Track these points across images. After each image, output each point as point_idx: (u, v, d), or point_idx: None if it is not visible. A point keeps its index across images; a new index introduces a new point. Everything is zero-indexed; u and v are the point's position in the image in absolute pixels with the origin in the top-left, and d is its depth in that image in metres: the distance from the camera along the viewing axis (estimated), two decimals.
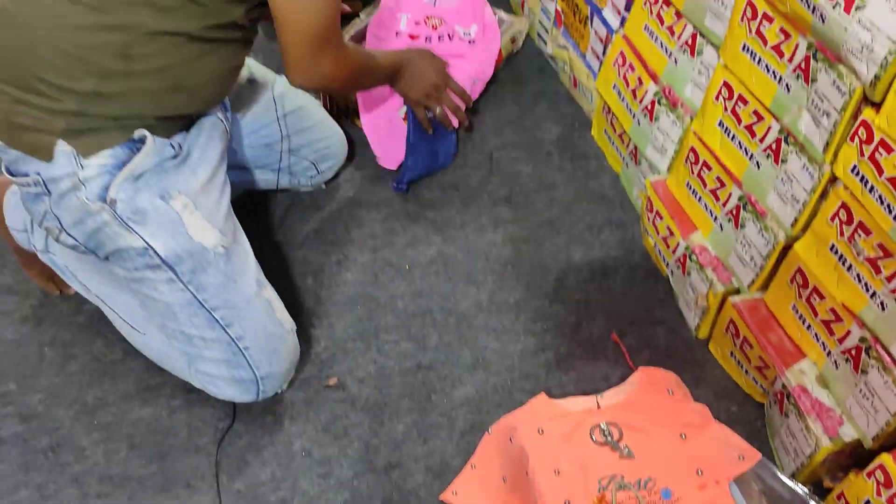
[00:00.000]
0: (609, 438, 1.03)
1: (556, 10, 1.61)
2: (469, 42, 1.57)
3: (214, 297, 1.07)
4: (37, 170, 0.98)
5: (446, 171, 1.53)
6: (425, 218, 1.46)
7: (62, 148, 0.97)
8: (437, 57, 1.45)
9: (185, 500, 1.09)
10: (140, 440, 1.15)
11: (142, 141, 1.00)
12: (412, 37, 1.54)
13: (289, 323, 1.15)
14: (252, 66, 1.31)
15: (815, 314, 1.03)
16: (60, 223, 1.02)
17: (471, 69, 1.55)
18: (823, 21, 0.89)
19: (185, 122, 1.08)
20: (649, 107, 1.30)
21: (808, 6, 0.91)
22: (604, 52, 1.45)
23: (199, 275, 1.05)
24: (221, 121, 1.14)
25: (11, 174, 1.01)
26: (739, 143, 1.11)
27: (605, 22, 1.42)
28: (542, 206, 1.47)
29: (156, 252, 1.02)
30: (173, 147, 1.03)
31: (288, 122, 1.35)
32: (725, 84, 1.11)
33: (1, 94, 0.96)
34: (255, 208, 1.46)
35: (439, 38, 1.55)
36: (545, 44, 1.71)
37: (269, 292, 1.14)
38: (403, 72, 1.37)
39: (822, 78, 0.94)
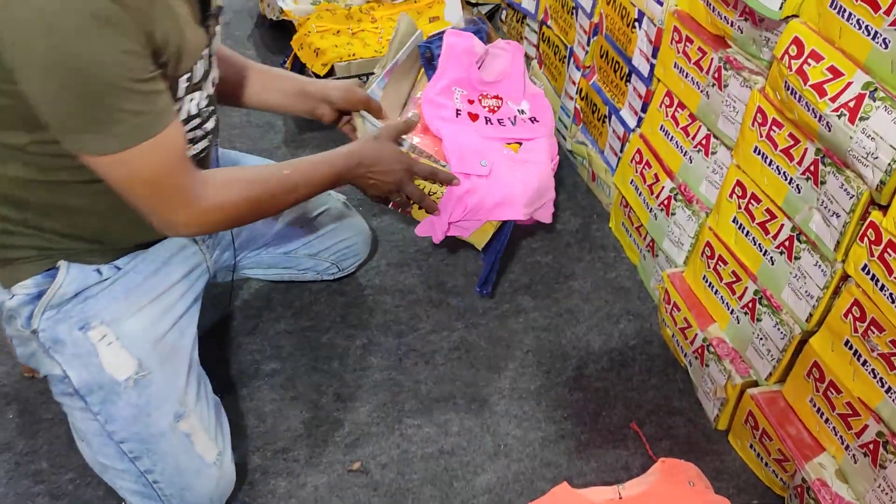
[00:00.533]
0: None
1: (576, 109, 1.70)
2: (531, 121, 1.40)
3: (123, 430, 1.06)
4: None
5: (469, 258, 1.59)
6: (448, 304, 1.50)
7: None
8: (402, 154, 1.20)
9: None
10: None
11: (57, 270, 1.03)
12: (472, 117, 1.35)
13: (212, 454, 1.11)
14: None
15: (833, 408, 1.05)
16: (12, 341, 1.10)
17: (548, 151, 1.38)
18: (829, 129, 0.95)
19: (133, 247, 1.09)
20: (666, 202, 1.35)
21: (815, 115, 0.97)
22: (621, 149, 1.52)
23: (109, 406, 1.05)
24: (201, 252, 1.18)
25: None
26: (753, 239, 1.16)
27: (622, 121, 1.50)
28: (562, 296, 1.52)
29: (70, 381, 1.05)
30: (99, 273, 1.06)
31: (305, 231, 1.41)
32: (738, 183, 1.17)
33: None
34: (284, 294, 1.51)
35: (500, 121, 1.37)
36: (564, 139, 1.79)
37: (191, 422, 1.10)
38: (358, 171, 1.15)
39: (831, 181, 0.99)
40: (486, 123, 1.35)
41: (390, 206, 1.26)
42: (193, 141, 1.04)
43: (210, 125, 1.07)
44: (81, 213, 1.01)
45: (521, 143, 1.36)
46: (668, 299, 1.36)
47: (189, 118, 1.00)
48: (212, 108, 1.07)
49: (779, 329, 1.12)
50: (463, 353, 1.42)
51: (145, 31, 0.84)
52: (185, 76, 0.96)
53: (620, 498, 1.08)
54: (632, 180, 1.46)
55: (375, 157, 1.15)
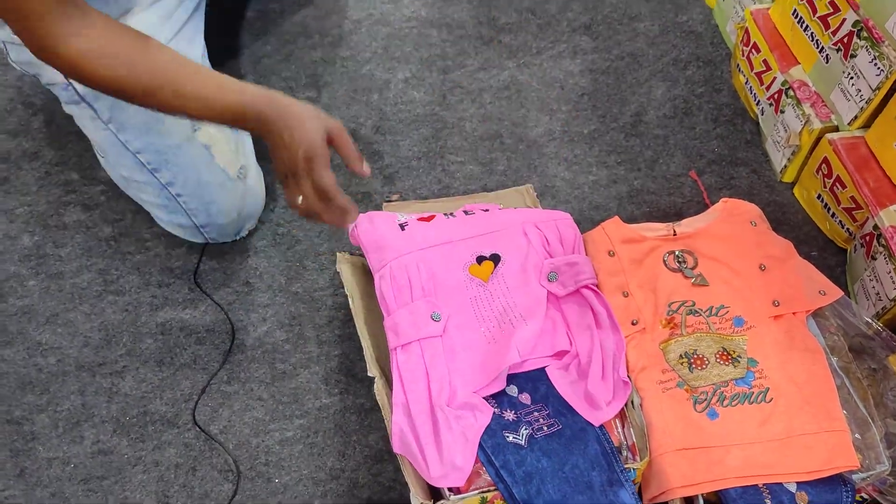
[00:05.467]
0: (682, 265, 0.98)
1: None
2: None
3: (137, 140, 0.99)
4: None
5: None
6: (499, 41, 1.38)
7: None
8: (327, 117, 0.85)
9: (245, 297, 1.09)
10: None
11: None
12: (425, 219, 1.01)
13: (234, 168, 1.05)
14: None
15: None
16: (4, 46, 0.99)
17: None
18: None
19: None
20: None
21: None
22: None
23: (119, 113, 0.98)
24: None
25: None
26: None
27: None
28: (625, 38, 1.38)
29: (73, 87, 0.96)
30: None
31: None
32: None
33: None
34: (321, 22, 1.39)
35: (465, 212, 1.03)
36: None
37: (208, 135, 1.03)
38: (271, 125, 0.84)
39: None
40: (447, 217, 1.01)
41: (298, 203, 0.86)
42: None
43: None
44: None
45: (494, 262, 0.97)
46: (748, 40, 1.22)
47: None
48: None
49: (876, 64, 1.00)
50: (513, 93, 1.31)
51: None
52: None
53: (675, 234, 1.01)
54: None
55: (306, 108, 0.85)
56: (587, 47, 1.36)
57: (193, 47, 1.06)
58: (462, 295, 0.95)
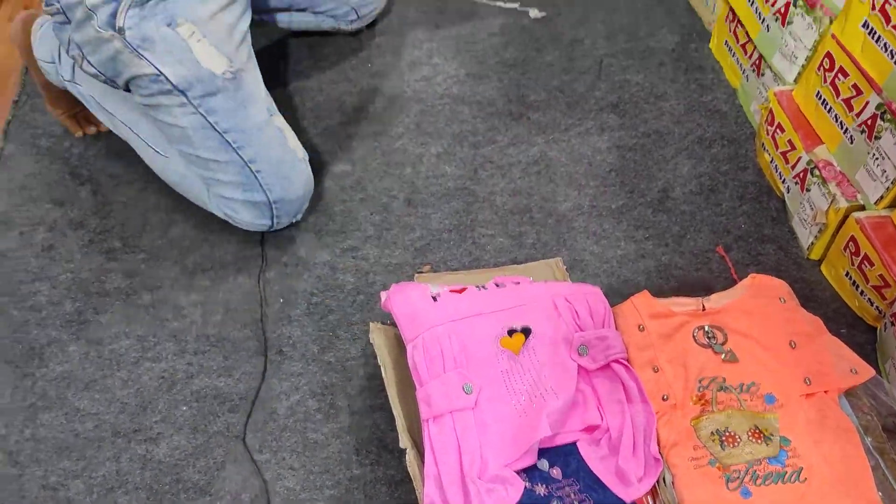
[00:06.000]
0: (712, 341, 0.99)
1: None
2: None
3: (225, 121, 1.11)
4: None
5: (553, 74, 1.48)
6: (528, 118, 1.42)
7: None
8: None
9: (278, 366, 1.11)
10: (236, 305, 1.17)
11: None
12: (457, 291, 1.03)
13: (301, 152, 1.20)
14: None
15: None
16: (81, 51, 1.09)
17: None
18: None
19: None
20: (783, 9, 1.21)
21: None
22: None
23: (209, 99, 1.10)
24: None
25: (45, 3, 1.09)
26: (885, 44, 1.03)
27: None
28: (651, 116, 1.42)
29: (167, 78, 1.07)
30: None
31: None
32: None
33: None
34: (356, 97, 1.45)
35: (497, 285, 1.05)
36: None
37: (281, 122, 1.18)
38: None
39: None
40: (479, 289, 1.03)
41: None
42: None
43: None
44: None
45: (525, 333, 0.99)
46: (772, 120, 1.25)
47: None
48: None
49: None
50: (542, 168, 1.35)
51: None
52: None
53: (704, 310, 1.02)
54: None
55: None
56: (614, 125, 1.40)
57: (252, 59, 1.19)
58: (493, 367, 0.96)
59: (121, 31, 1.04)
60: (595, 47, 1.52)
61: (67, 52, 1.13)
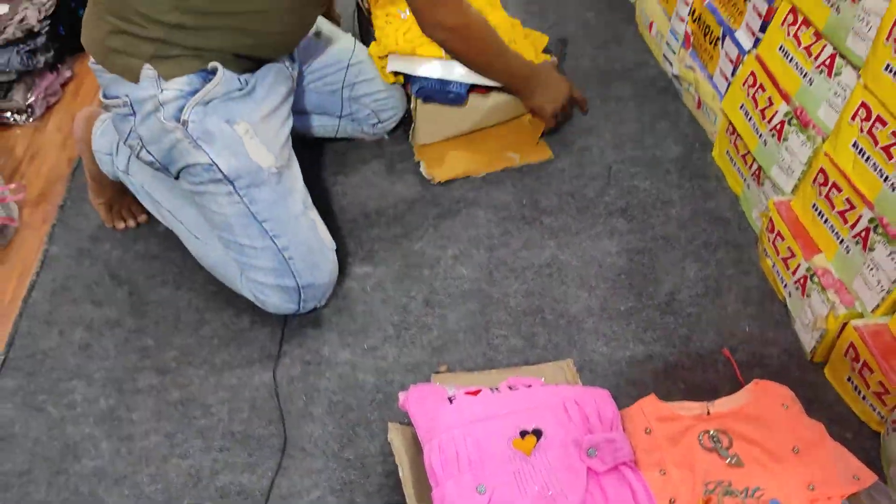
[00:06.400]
0: (718, 445, 1.03)
1: (686, 32, 1.63)
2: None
3: (265, 211, 1.22)
4: (126, 92, 1.17)
5: (564, 180, 1.57)
6: (541, 223, 1.49)
7: (147, 72, 1.15)
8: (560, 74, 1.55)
9: (300, 462, 1.15)
10: (261, 403, 1.23)
11: (214, 72, 1.17)
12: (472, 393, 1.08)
13: (330, 243, 1.30)
14: (320, 22, 1.50)
15: None
16: (142, 141, 1.20)
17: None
18: None
19: (254, 64, 1.24)
20: (778, 127, 1.30)
21: None
22: (733, 73, 1.46)
23: (254, 190, 1.21)
24: (287, 68, 1.30)
25: (106, 97, 1.21)
26: (874, 164, 1.10)
27: (736, 43, 1.43)
28: (658, 222, 1.49)
29: (219, 168, 1.18)
30: (240, 82, 1.20)
31: (350, 72, 1.52)
32: (863, 105, 1.11)
33: (104, 22, 1.15)
34: (379, 202, 1.53)
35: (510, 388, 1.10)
36: (671, 64, 1.73)
37: (314, 214, 1.30)
38: (537, 83, 1.50)
39: None
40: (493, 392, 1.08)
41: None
42: None
43: None
44: (238, 30, 1.17)
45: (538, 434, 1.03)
46: (772, 228, 1.31)
47: None
48: None
49: (893, 258, 1.08)
50: (554, 271, 1.41)
51: None
52: None
53: (709, 414, 1.06)
54: (742, 105, 1.41)
55: (551, 67, 1.55)
56: (623, 229, 1.47)
57: (293, 156, 1.32)
58: (506, 468, 1.00)
59: (185, 123, 1.16)
60: (604, 155, 1.61)
61: (125, 141, 1.24)
